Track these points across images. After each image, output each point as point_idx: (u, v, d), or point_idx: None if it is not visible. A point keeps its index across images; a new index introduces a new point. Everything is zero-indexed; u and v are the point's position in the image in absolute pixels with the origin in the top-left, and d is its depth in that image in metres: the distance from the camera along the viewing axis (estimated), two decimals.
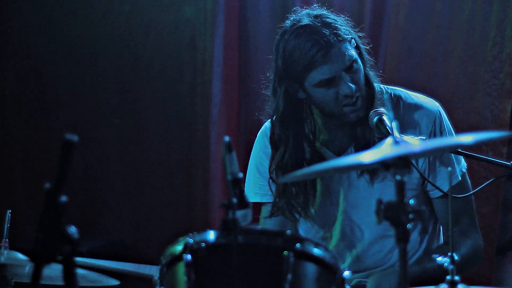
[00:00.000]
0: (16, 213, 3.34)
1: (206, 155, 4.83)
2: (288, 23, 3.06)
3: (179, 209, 4.93)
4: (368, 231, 3.13)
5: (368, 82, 3.05)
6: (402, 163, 2.09)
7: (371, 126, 2.97)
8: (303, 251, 2.21)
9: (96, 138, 5.02)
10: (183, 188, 4.92)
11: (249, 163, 3.30)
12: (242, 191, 2.21)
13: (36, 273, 1.88)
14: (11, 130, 5.13)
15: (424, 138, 3.04)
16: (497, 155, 4.19)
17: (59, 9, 5.07)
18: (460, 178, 3.13)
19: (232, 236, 2.08)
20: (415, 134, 3.09)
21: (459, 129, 3.22)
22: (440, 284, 2.39)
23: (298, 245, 2.20)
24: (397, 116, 3.08)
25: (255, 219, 3.19)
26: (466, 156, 2.96)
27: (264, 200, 3.22)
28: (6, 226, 3.09)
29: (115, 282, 3.01)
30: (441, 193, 3.07)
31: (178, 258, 2.23)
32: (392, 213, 2.05)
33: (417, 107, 3.15)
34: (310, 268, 2.23)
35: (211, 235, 2.23)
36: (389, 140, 2.20)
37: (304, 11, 3.06)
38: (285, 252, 2.19)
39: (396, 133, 2.25)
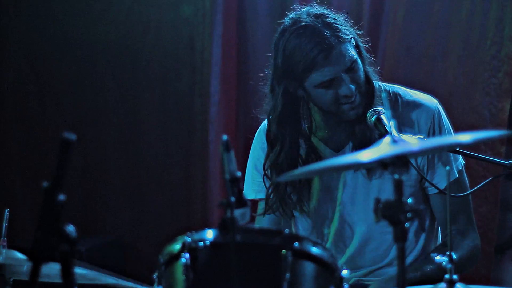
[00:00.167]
0: (15, 211, 3.34)
1: (204, 154, 4.84)
2: (287, 20, 3.05)
3: (178, 208, 4.94)
4: (365, 227, 3.13)
5: (368, 79, 3.05)
6: (400, 162, 2.09)
7: (369, 125, 2.98)
8: (301, 250, 2.21)
9: (95, 137, 5.02)
10: (181, 186, 4.93)
11: (248, 160, 3.30)
12: (240, 190, 2.21)
13: (35, 272, 1.88)
14: (10, 129, 5.14)
15: (423, 137, 3.04)
16: (496, 154, 4.20)
17: (58, 9, 5.07)
18: (457, 175, 3.13)
19: (231, 235, 2.08)
20: (414, 131, 3.09)
21: (457, 128, 3.22)
22: (438, 284, 2.39)
23: (296, 244, 2.20)
24: (395, 114, 3.08)
25: (254, 217, 3.20)
26: (465, 155, 2.96)
27: (261, 197, 3.23)
28: (4, 225, 3.09)
29: (113, 280, 3.00)
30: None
31: (176, 257, 2.24)
32: (390, 212, 2.05)
33: (416, 104, 3.15)
34: (309, 267, 2.23)
35: (209, 234, 2.23)
36: (387, 139, 2.20)
37: (303, 9, 3.05)
38: (283, 251, 2.19)
39: (394, 132, 2.24)
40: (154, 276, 2.33)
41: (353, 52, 3.00)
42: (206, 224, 4.64)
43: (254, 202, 3.24)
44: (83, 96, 5.08)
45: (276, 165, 3.11)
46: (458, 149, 2.92)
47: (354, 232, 3.15)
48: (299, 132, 3.12)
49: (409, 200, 2.07)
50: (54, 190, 1.88)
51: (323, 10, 3.05)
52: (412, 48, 4.46)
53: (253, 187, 3.24)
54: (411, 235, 3.15)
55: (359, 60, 3.02)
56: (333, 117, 3.09)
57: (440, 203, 3.14)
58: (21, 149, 5.14)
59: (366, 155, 2.14)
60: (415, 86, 3.29)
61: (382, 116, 2.93)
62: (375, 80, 3.09)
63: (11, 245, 3.09)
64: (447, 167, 2.56)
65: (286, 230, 2.24)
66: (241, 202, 2.20)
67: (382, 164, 2.10)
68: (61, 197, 1.88)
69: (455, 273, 2.31)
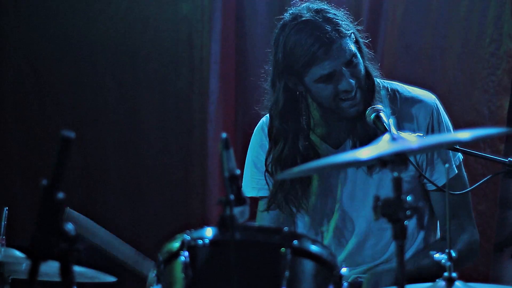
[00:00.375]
0: (13, 210, 3.33)
1: (203, 152, 4.83)
2: (287, 16, 3.05)
3: (177, 206, 4.93)
4: (364, 223, 3.14)
5: (368, 74, 3.06)
6: (399, 159, 2.09)
7: (369, 122, 2.98)
8: (301, 248, 2.21)
9: (93, 135, 5.01)
10: (180, 184, 4.92)
11: (246, 158, 3.30)
12: (239, 188, 2.21)
13: (33, 270, 1.87)
14: (9, 127, 5.13)
15: (422, 134, 3.04)
16: (495, 152, 4.20)
17: (56, 7, 5.06)
18: (456, 171, 3.13)
19: (230, 233, 2.08)
20: (413, 127, 3.09)
21: (456, 126, 3.22)
22: (437, 280, 2.39)
23: (295, 242, 2.20)
24: (394, 110, 3.09)
25: (253, 215, 3.19)
26: (464, 153, 2.96)
27: (261, 195, 3.23)
28: (2, 223, 3.09)
29: (112, 278, 3.00)
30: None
31: (176, 255, 2.23)
32: (389, 210, 2.05)
33: (414, 100, 3.15)
34: (308, 265, 2.23)
35: (209, 232, 2.23)
36: (386, 136, 2.20)
37: (303, 5, 3.06)
38: (283, 249, 2.19)
39: (393, 130, 2.24)
40: (153, 275, 2.32)
41: (353, 47, 3.01)
42: (205, 222, 4.64)
43: (253, 200, 3.24)
44: (83, 95, 5.07)
45: (279, 160, 3.11)
46: (457, 146, 2.92)
47: (353, 228, 3.16)
48: (300, 128, 3.12)
49: (409, 198, 2.07)
50: (53, 188, 1.88)
51: (323, 5, 3.06)
52: (411, 46, 4.45)
53: (252, 184, 3.24)
54: (410, 231, 3.15)
55: (359, 55, 3.03)
56: (332, 114, 3.09)
57: (440, 199, 3.15)
58: (21, 148, 5.13)
59: (365, 153, 2.14)
60: (414, 83, 3.29)
61: (381, 114, 2.93)
62: (375, 76, 3.09)
63: (10, 244, 3.09)
64: (447, 165, 2.55)
65: (286, 228, 2.23)
66: (240, 200, 2.20)
67: (381, 161, 2.10)
68: (60, 195, 1.87)
69: (454, 267, 2.31)
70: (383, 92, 3.07)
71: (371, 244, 3.15)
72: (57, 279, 2.56)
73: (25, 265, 3.01)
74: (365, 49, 3.09)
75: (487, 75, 4.31)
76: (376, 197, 2.07)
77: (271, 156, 3.14)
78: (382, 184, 3.09)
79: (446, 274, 2.30)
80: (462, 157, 3.16)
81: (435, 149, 3.01)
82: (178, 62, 4.89)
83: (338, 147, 3.15)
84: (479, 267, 4.25)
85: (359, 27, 3.11)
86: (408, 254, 3.12)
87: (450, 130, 3.17)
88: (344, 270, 2.28)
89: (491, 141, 4.23)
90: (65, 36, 5.05)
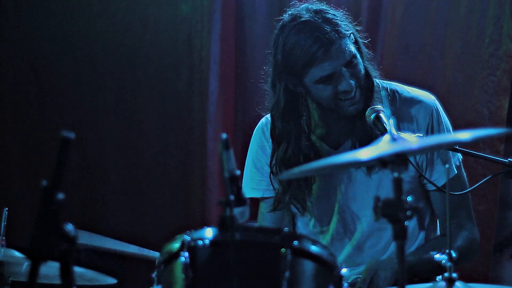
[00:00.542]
0: (13, 210, 3.33)
1: (203, 153, 4.83)
2: (287, 17, 3.05)
3: (176, 207, 4.93)
4: (364, 223, 3.14)
5: (367, 75, 3.06)
6: (399, 160, 2.09)
7: (368, 123, 2.98)
8: (301, 248, 2.21)
9: (93, 136, 5.01)
10: (180, 185, 4.92)
11: (246, 159, 3.30)
12: (239, 188, 2.21)
13: (33, 271, 1.87)
14: (9, 127, 5.12)
15: (421, 135, 3.04)
16: (494, 152, 4.20)
17: (56, 7, 5.06)
18: (456, 171, 3.14)
19: (230, 234, 2.07)
20: (413, 128, 3.09)
21: (455, 126, 3.22)
22: (437, 279, 2.39)
23: (295, 242, 2.20)
24: (394, 110, 3.09)
25: (252, 215, 3.19)
26: (464, 154, 2.96)
27: (260, 196, 3.23)
28: (2, 224, 3.08)
29: (113, 280, 3.00)
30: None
31: (176, 255, 2.23)
32: (389, 210, 2.05)
33: (414, 101, 3.15)
34: (308, 266, 2.23)
35: (209, 232, 2.23)
36: (386, 137, 2.20)
37: (303, 6, 3.06)
38: (283, 250, 2.18)
39: (393, 130, 2.24)
40: (153, 275, 2.32)
41: (353, 47, 3.01)
42: (205, 222, 4.64)
43: (253, 201, 3.24)
44: (82, 94, 5.06)
45: (284, 161, 3.10)
46: (457, 147, 2.92)
47: (353, 229, 3.16)
48: (301, 129, 3.12)
49: (409, 198, 2.07)
50: (52, 189, 1.87)
51: (322, 6, 3.06)
52: (410, 46, 4.45)
53: (252, 185, 3.24)
54: (410, 231, 3.15)
55: (358, 55, 3.03)
56: (332, 114, 3.09)
57: (440, 199, 3.15)
58: (21, 148, 5.12)
59: (365, 153, 2.14)
60: (413, 84, 3.29)
61: (381, 114, 2.93)
62: (374, 76, 3.09)
63: (9, 244, 3.09)
64: (447, 165, 2.55)
65: (286, 229, 2.23)
66: (240, 200, 2.20)
67: (382, 162, 2.10)
68: (60, 195, 1.87)
69: (454, 265, 2.31)
70: (383, 93, 3.07)
71: (371, 244, 3.15)
72: (56, 281, 2.56)
73: (25, 266, 3.01)
74: (364, 50, 3.10)
75: (486, 76, 4.31)
76: (376, 198, 2.06)
77: (275, 157, 3.14)
78: (382, 185, 3.09)
79: (446, 274, 2.30)
80: (461, 157, 3.16)
81: (435, 150, 3.01)
82: (177, 63, 4.89)
83: (337, 148, 3.15)
84: (479, 267, 4.25)
85: (358, 28, 3.11)
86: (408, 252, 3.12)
87: (449, 130, 3.18)
88: (344, 270, 2.28)
89: (490, 141, 4.23)
90: (65, 36, 5.05)
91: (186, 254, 2.20)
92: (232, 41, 4.78)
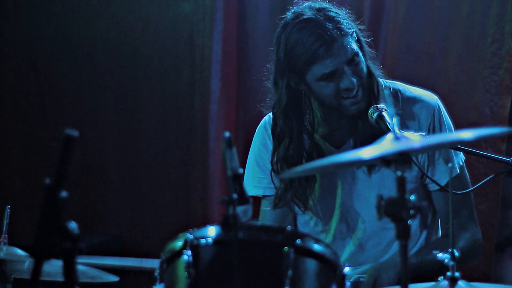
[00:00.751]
0: (13, 209, 3.33)
1: (204, 151, 4.83)
2: (289, 15, 3.05)
3: (178, 205, 4.93)
4: (366, 223, 3.13)
5: (370, 74, 3.06)
6: (402, 159, 2.09)
7: (371, 122, 2.98)
8: (304, 247, 2.21)
9: (94, 135, 5.01)
10: (181, 184, 4.92)
11: (248, 156, 3.30)
12: (242, 187, 2.21)
13: (36, 269, 1.87)
14: (9, 127, 5.13)
15: (424, 134, 3.04)
16: (496, 152, 4.20)
17: (56, 7, 5.06)
18: (458, 171, 3.13)
19: (233, 232, 2.07)
20: (415, 127, 3.09)
21: (457, 126, 3.22)
22: (439, 279, 2.39)
23: (298, 241, 2.20)
24: (396, 109, 3.09)
25: (255, 214, 3.19)
26: (466, 153, 2.96)
27: (263, 193, 3.23)
28: (5, 221, 3.08)
29: (115, 278, 3.00)
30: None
31: (178, 254, 2.23)
32: (393, 209, 2.04)
33: (416, 100, 3.15)
34: (311, 264, 2.22)
35: (211, 231, 2.22)
36: (389, 136, 2.20)
37: (305, 4, 3.06)
38: (286, 248, 2.18)
39: (396, 129, 2.24)
40: (156, 273, 2.32)
41: (355, 46, 3.01)
42: (206, 221, 4.64)
43: (255, 199, 3.23)
44: (83, 93, 5.07)
45: (285, 159, 3.10)
46: (459, 146, 2.92)
47: (356, 228, 3.15)
48: (303, 128, 3.12)
49: (412, 197, 2.06)
50: (56, 187, 1.87)
51: (324, 4, 3.06)
52: (413, 46, 4.45)
53: (254, 183, 3.24)
54: (412, 231, 3.14)
55: (360, 54, 3.03)
56: (334, 113, 3.09)
57: (442, 199, 3.14)
58: (21, 147, 5.13)
59: (368, 152, 2.14)
60: (416, 83, 3.29)
61: (384, 113, 2.93)
62: (377, 75, 3.09)
63: (11, 242, 3.09)
64: (450, 164, 2.55)
65: (288, 227, 2.23)
66: (243, 199, 2.20)
67: (385, 161, 2.10)
68: (63, 193, 1.87)
69: (456, 266, 2.31)
70: (386, 92, 3.07)
71: (373, 243, 3.15)
72: (59, 278, 2.56)
73: (27, 263, 3.01)
74: (367, 48, 3.10)
75: (488, 75, 4.31)
76: (379, 197, 2.06)
77: (276, 155, 3.14)
78: (384, 184, 3.09)
79: (449, 273, 2.30)
80: (464, 158, 3.16)
81: (438, 149, 3.01)
82: (179, 62, 4.89)
83: (339, 147, 3.15)
84: (481, 266, 4.25)
85: (360, 26, 3.11)
86: (410, 253, 3.12)
87: (451, 130, 3.18)
88: (347, 269, 2.28)
89: (492, 140, 4.23)
90: (65, 35, 5.06)
91: (189, 252, 2.20)
92: (234, 40, 4.78)
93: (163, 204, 4.97)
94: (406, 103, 3.15)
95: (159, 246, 2.38)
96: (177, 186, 4.93)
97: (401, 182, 2.06)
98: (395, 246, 3.11)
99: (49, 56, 5.08)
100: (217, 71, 4.78)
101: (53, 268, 2.17)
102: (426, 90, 3.22)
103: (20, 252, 3.01)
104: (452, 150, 3.11)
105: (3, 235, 3.07)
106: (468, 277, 2.45)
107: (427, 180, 3.11)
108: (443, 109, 3.18)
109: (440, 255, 2.34)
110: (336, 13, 3.03)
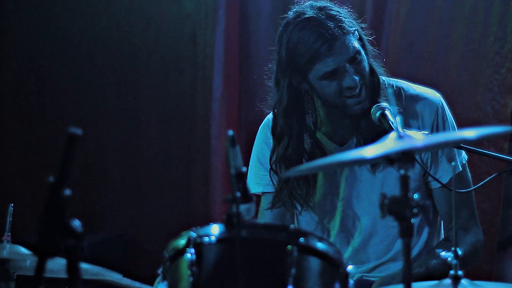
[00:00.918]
0: (16, 207, 3.33)
1: (206, 150, 4.83)
2: (291, 14, 3.06)
3: (179, 204, 4.93)
4: (369, 221, 3.13)
5: (373, 73, 3.06)
6: (406, 157, 2.08)
7: (374, 120, 2.98)
8: (307, 245, 2.20)
9: (95, 133, 5.02)
10: (183, 182, 4.92)
11: (251, 154, 3.30)
12: (245, 185, 2.21)
13: (40, 267, 1.87)
14: (10, 126, 5.13)
15: (427, 132, 3.04)
16: (498, 151, 4.20)
17: (57, 6, 5.06)
18: (461, 169, 3.13)
19: (236, 230, 2.07)
20: (418, 125, 3.09)
21: (459, 124, 3.22)
22: (443, 280, 2.39)
23: (301, 239, 2.19)
24: (400, 108, 3.08)
25: (257, 212, 3.20)
26: (469, 151, 2.96)
27: (265, 191, 3.23)
28: (8, 219, 3.08)
29: (118, 275, 3.00)
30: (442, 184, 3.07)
31: (182, 252, 2.23)
32: (396, 208, 2.04)
33: (419, 98, 3.15)
34: (314, 263, 2.22)
35: (215, 229, 2.22)
36: (392, 134, 2.20)
37: (307, 3, 3.07)
38: (289, 246, 2.18)
39: (399, 128, 2.24)
40: (159, 271, 2.32)
41: (357, 44, 3.01)
42: (208, 220, 4.64)
43: (259, 197, 3.24)
44: (84, 91, 5.07)
45: (284, 158, 3.11)
46: (462, 145, 2.92)
47: (358, 227, 3.16)
48: (305, 127, 3.12)
49: (415, 196, 2.06)
50: (59, 185, 1.87)
51: (326, 3, 3.06)
52: (415, 44, 4.45)
53: (257, 180, 3.24)
54: (415, 228, 3.15)
55: (363, 52, 3.03)
56: (337, 112, 3.09)
57: (443, 198, 3.14)
58: (22, 146, 5.13)
59: (372, 151, 2.14)
60: (418, 82, 3.29)
61: (387, 112, 2.93)
62: (379, 74, 3.09)
63: (15, 240, 3.09)
64: (453, 163, 2.56)
65: (292, 226, 2.23)
66: (247, 197, 2.20)
67: (388, 159, 2.10)
68: (67, 191, 1.87)
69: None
70: (390, 90, 3.07)
71: (376, 242, 3.15)
72: (62, 275, 2.56)
73: (29, 261, 3.01)
74: (369, 47, 3.10)
75: (491, 74, 4.31)
76: (383, 195, 2.06)
77: (275, 154, 3.14)
78: (387, 182, 3.09)
79: (452, 272, 2.30)
80: (467, 157, 3.17)
81: (441, 147, 3.01)
82: (181, 60, 4.89)
83: (343, 145, 3.15)
84: (483, 265, 4.25)
85: (363, 25, 3.11)
86: (413, 252, 3.12)
87: (454, 128, 3.18)
88: (350, 267, 2.28)
89: (495, 139, 4.23)
90: (67, 34, 5.06)
91: (192, 250, 2.20)
92: (236, 38, 4.78)
93: (165, 203, 4.97)
94: (409, 101, 3.15)
95: (160, 245, 2.37)
96: (178, 185, 4.94)
97: (404, 181, 2.06)
98: (398, 244, 3.12)
99: (50, 55, 5.08)
100: (219, 69, 4.78)
101: (56, 265, 2.17)
102: (428, 88, 3.22)
103: (23, 250, 3.00)
104: (455, 149, 3.11)
105: (6, 233, 3.07)
106: (470, 276, 2.45)
107: (429, 178, 3.12)
108: (446, 106, 3.18)
109: (443, 253, 2.34)
110: (338, 11, 3.03)
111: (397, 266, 3.10)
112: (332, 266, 2.24)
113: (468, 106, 4.32)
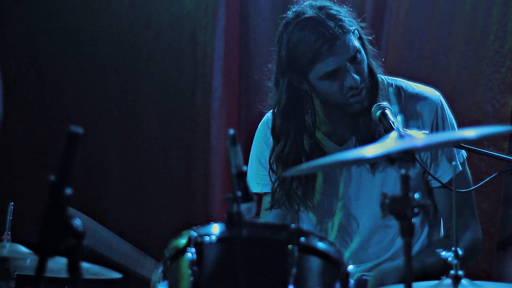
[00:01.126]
0: (16, 206, 3.33)
1: (206, 149, 4.83)
2: (291, 14, 3.05)
3: (179, 203, 4.93)
4: (368, 221, 3.13)
5: (371, 72, 3.06)
6: (407, 157, 2.09)
7: (374, 120, 2.98)
8: (308, 245, 2.20)
9: (96, 132, 5.01)
10: (183, 181, 4.92)
11: (251, 153, 3.30)
12: (246, 184, 2.21)
13: (41, 266, 1.87)
14: (11, 123, 5.13)
15: (427, 131, 3.04)
16: (498, 150, 4.19)
17: (58, 4, 5.06)
18: (461, 168, 3.14)
19: (237, 230, 2.07)
20: (418, 124, 3.09)
21: (459, 123, 3.22)
22: (442, 278, 2.39)
23: (302, 239, 2.19)
24: (400, 107, 3.08)
25: (259, 211, 3.19)
26: (469, 151, 2.96)
27: (265, 191, 3.23)
28: (8, 218, 3.09)
29: (118, 275, 3.01)
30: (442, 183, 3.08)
31: (182, 251, 2.22)
32: (397, 207, 2.04)
33: (419, 97, 3.15)
34: (315, 262, 2.22)
35: (215, 228, 2.22)
36: (393, 134, 2.20)
37: (307, 2, 3.06)
38: (290, 246, 2.18)
39: (399, 127, 2.24)
40: (159, 271, 2.32)
41: (357, 43, 3.01)
42: (208, 219, 4.63)
43: (260, 196, 3.24)
44: (85, 90, 5.06)
45: (281, 158, 3.11)
46: (462, 144, 2.92)
47: (357, 226, 3.15)
48: (304, 126, 3.12)
49: (416, 195, 2.06)
50: (60, 184, 1.87)
51: (326, 2, 3.06)
52: (415, 43, 4.45)
53: (257, 180, 3.24)
54: (415, 227, 3.14)
55: (363, 51, 3.03)
56: (336, 111, 3.09)
57: (443, 197, 3.15)
58: (22, 145, 5.12)
59: (372, 150, 2.14)
60: (418, 81, 3.29)
61: (387, 111, 2.93)
62: (378, 74, 3.09)
63: (15, 239, 3.09)
64: (453, 163, 2.56)
65: (293, 225, 2.23)
66: (247, 196, 2.19)
67: (389, 159, 2.10)
68: (68, 190, 1.87)
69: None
70: (390, 90, 3.07)
71: (376, 241, 3.15)
72: (62, 275, 2.56)
73: (29, 260, 3.02)
74: (369, 46, 3.10)
75: (491, 73, 4.30)
76: (383, 194, 2.06)
77: (274, 154, 3.14)
78: (386, 183, 3.09)
79: (452, 272, 2.30)
80: (466, 154, 3.17)
81: (442, 147, 3.01)
82: (181, 58, 4.89)
83: (342, 144, 3.15)
84: (482, 265, 4.25)
85: (362, 24, 3.11)
86: (413, 251, 3.12)
87: (454, 127, 3.18)
88: (351, 267, 2.28)
89: (494, 139, 4.23)
90: (67, 33, 5.05)
91: (193, 250, 2.19)
92: (237, 37, 4.78)
93: (165, 202, 4.97)
94: (408, 100, 3.15)
95: (161, 244, 2.37)
96: (179, 184, 4.93)
97: (405, 180, 2.06)
98: (398, 243, 3.12)
99: (51, 54, 5.08)
100: (219, 68, 4.78)
101: (56, 264, 2.17)
102: (428, 86, 3.22)
103: (23, 249, 3.01)
104: (454, 148, 3.11)
105: (6, 232, 3.07)
106: (469, 275, 2.45)
107: (429, 177, 3.12)
108: (446, 105, 3.18)
109: (443, 253, 2.34)
110: (338, 11, 3.03)
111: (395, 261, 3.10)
112: (333, 265, 2.24)
113: (468, 106, 4.32)
